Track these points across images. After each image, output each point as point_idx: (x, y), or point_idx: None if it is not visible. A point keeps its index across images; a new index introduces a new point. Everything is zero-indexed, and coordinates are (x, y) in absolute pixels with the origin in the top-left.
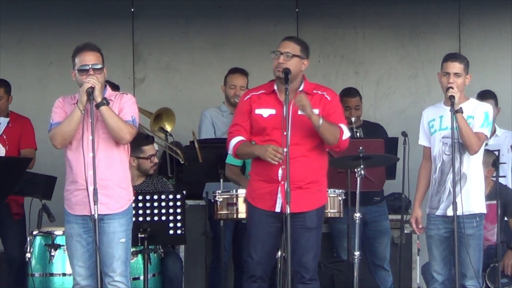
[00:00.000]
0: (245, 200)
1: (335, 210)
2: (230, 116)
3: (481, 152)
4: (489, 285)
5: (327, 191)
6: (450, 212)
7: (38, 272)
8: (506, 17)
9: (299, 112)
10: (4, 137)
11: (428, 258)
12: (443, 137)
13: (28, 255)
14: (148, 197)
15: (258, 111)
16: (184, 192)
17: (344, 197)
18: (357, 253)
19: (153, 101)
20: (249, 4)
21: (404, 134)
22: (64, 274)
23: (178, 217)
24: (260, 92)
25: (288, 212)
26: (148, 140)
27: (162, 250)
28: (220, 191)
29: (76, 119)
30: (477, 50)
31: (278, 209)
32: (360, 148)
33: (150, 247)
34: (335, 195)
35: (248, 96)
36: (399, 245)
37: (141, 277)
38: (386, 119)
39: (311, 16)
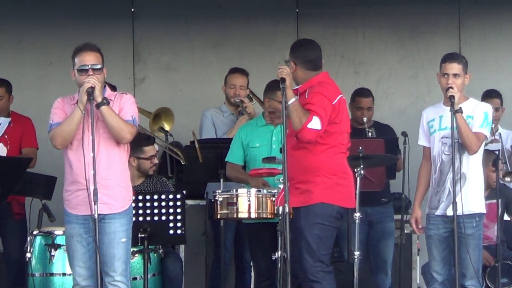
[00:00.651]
0: None
1: None
2: (230, 117)
3: (481, 152)
4: (489, 285)
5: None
6: (449, 212)
7: (38, 272)
8: (506, 17)
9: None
10: (6, 136)
11: (428, 258)
12: (442, 137)
13: (28, 255)
14: (148, 197)
15: None
16: (184, 192)
17: None
18: (357, 253)
19: (153, 101)
20: (249, 4)
21: (404, 134)
22: (64, 274)
23: (178, 217)
24: None
25: (287, 211)
26: (149, 140)
27: (162, 250)
28: (220, 191)
29: (77, 119)
30: (477, 50)
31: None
32: (360, 148)
33: (150, 247)
34: None
35: None
36: (399, 245)
37: (141, 277)
38: (386, 119)
39: (311, 16)
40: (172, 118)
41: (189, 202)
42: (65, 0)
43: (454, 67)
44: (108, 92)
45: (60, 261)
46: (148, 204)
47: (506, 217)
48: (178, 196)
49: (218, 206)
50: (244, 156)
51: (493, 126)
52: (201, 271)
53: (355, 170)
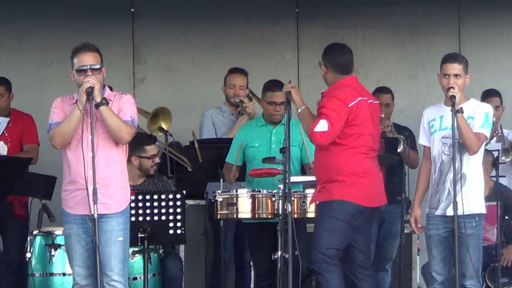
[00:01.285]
0: None
1: None
2: (230, 117)
3: (481, 152)
4: (489, 285)
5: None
6: (449, 212)
7: (38, 272)
8: (506, 17)
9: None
10: (6, 134)
11: (428, 258)
12: (442, 137)
13: (28, 255)
14: (148, 197)
15: None
16: (184, 192)
17: None
18: None
19: (153, 101)
20: (249, 4)
21: (404, 134)
22: (64, 274)
23: (178, 217)
24: None
25: (289, 210)
26: (151, 139)
27: (162, 250)
28: (220, 191)
29: (76, 119)
30: (477, 50)
31: None
32: None
33: (150, 247)
34: None
35: None
36: (399, 245)
37: (141, 277)
38: None
39: (311, 16)
40: (169, 117)
41: (189, 202)
42: (65, 0)
43: (455, 68)
44: (108, 92)
45: (60, 261)
46: (148, 204)
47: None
48: (178, 196)
49: (218, 206)
50: (243, 156)
51: (500, 124)
52: (201, 271)
53: None
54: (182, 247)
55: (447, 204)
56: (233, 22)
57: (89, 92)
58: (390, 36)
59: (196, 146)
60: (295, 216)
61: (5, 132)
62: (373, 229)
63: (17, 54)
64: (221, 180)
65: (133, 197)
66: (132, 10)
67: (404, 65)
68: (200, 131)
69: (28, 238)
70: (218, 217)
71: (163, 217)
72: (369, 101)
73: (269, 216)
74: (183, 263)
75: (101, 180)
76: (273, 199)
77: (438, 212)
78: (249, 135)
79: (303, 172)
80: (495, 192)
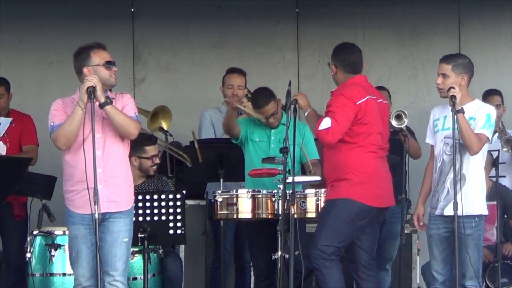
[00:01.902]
0: None
1: None
2: None
3: (483, 154)
4: (489, 285)
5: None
6: (447, 212)
7: (38, 272)
8: (506, 17)
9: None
10: (5, 135)
11: (428, 258)
12: (444, 137)
13: (28, 255)
14: (148, 197)
15: None
16: (184, 192)
17: None
18: None
19: (153, 101)
20: (249, 4)
21: (404, 134)
22: (64, 274)
23: (178, 217)
24: None
25: (293, 212)
26: (151, 140)
27: (162, 250)
28: (220, 191)
29: (78, 118)
30: (477, 50)
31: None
32: None
33: (150, 247)
34: None
35: None
36: (399, 245)
37: (141, 277)
38: None
39: (311, 16)
40: (169, 116)
41: (189, 202)
42: (65, 0)
43: (443, 67)
44: (107, 92)
45: (60, 261)
46: (148, 204)
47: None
48: (178, 196)
49: (218, 206)
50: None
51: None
52: (201, 271)
53: None
54: (182, 247)
55: (445, 204)
56: (233, 22)
57: (91, 92)
58: (390, 36)
59: (196, 146)
60: (295, 216)
61: (4, 132)
62: None
63: (17, 54)
64: (221, 180)
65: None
66: (132, 10)
67: (404, 65)
68: (199, 131)
69: (28, 238)
70: (218, 217)
71: (163, 217)
72: (378, 100)
73: (269, 216)
74: (183, 263)
75: (109, 178)
76: (273, 199)
77: (437, 212)
78: (251, 128)
79: (303, 172)
80: (494, 192)
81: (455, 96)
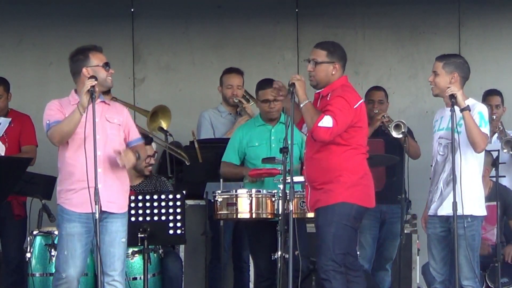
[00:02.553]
0: None
1: None
2: (229, 117)
3: (479, 155)
4: (489, 285)
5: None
6: (440, 212)
7: (38, 272)
8: (506, 17)
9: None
10: (4, 135)
11: (428, 258)
12: (439, 138)
13: (28, 255)
14: (148, 197)
15: None
16: (184, 192)
17: None
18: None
19: (153, 101)
20: (249, 4)
21: (404, 134)
22: None
23: (178, 217)
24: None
25: (291, 210)
26: (146, 139)
27: (162, 250)
28: (220, 191)
29: (76, 121)
30: (477, 50)
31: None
32: None
33: (150, 247)
34: None
35: None
36: (399, 245)
37: (141, 277)
38: None
39: (311, 16)
40: (169, 115)
41: (188, 202)
42: (65, 0)
43: (435, 65)
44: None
45: None
46: (148, 204)
47: None
48: (178, 196)
49: (218, 206)
50: (241, 156)
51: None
52: (201, 271)
53: None
54: (182, 247)
55: (439, 204)
56: (233, 22)
57: (92, 91)
58: (390, 36)
59: (196, 146)
60: (295, 216)
61: (3, 132)
62: (374, 229)
63: (17, 54)
64: (221, 180)
65: (133, 197)
66: (132, 10)
67: (404, 65)
68: (198, 131)
69: (28, 238)
70: (218, 217)
71: (163, 217)
72: (364, 101)
73: (269, 216)
74: (183, 263)
75: (109, 179)
76: (273, 199)
77: (431, 212)
78: (248, 135)
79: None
80: (494, 192)
81: (453, 96)
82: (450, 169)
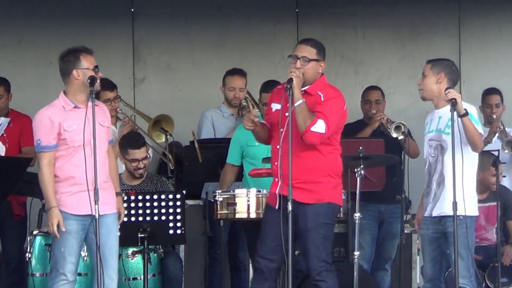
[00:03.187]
0: None
1: None
2: (230, 117)
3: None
4: (489, 284)
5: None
6: (434, 213)
7: (39, 272)
8: (506, 17)
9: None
10: (4, 135)
11: None
12: (429, 140)
13: (28, 255)
14: (148, 197)
15: (272, 105)
16: (184, 192)
17: (344, 197)
18: (357, 253)
19: (153, 101)
20: (249, 4)
21: (404, 134)
22: None
23: (178, 217)
24: (280, 86)
25: (290, 209)
26: (136, 143)
27: (162, 250)
28: (220, 191)
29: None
30: (477, 50)
31: (276, 206)
32: (360, 148)
33: (150, 247)
34: None
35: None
36: (399, 245)
37: (141, 277)
38: None
39: (311, 16)
40: (172, 125)
41: (188, 202)
42: (65, 0)
43: (424, 68)
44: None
45: None
46: (148, 204)
47: None
48: (178, 196)
49: (218, 206)
50: (242, 155)
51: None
52: (201, 271)
53: (355, 170)
54: (182, 247)
55: (433, 205)
56: (233, 22)
57: (92, 91)
58: (390, 36)
59: (196, 146)
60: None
61: (3, 132)
62: (373, 229)
63: (17, 54)
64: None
65: (133, 197)
66: (132, 10)
67: (404, 65)
68: (199, 131)
69: (28, 238)
70: (218, 217)
71: (163, 217)
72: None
73: None
74: (183, 263)
75: (103, 182)
76: None
77: (427, 213)
78: (248, 134)
79: None
80: (494, 192)
81: (454, 99)
82: (440, 170)
